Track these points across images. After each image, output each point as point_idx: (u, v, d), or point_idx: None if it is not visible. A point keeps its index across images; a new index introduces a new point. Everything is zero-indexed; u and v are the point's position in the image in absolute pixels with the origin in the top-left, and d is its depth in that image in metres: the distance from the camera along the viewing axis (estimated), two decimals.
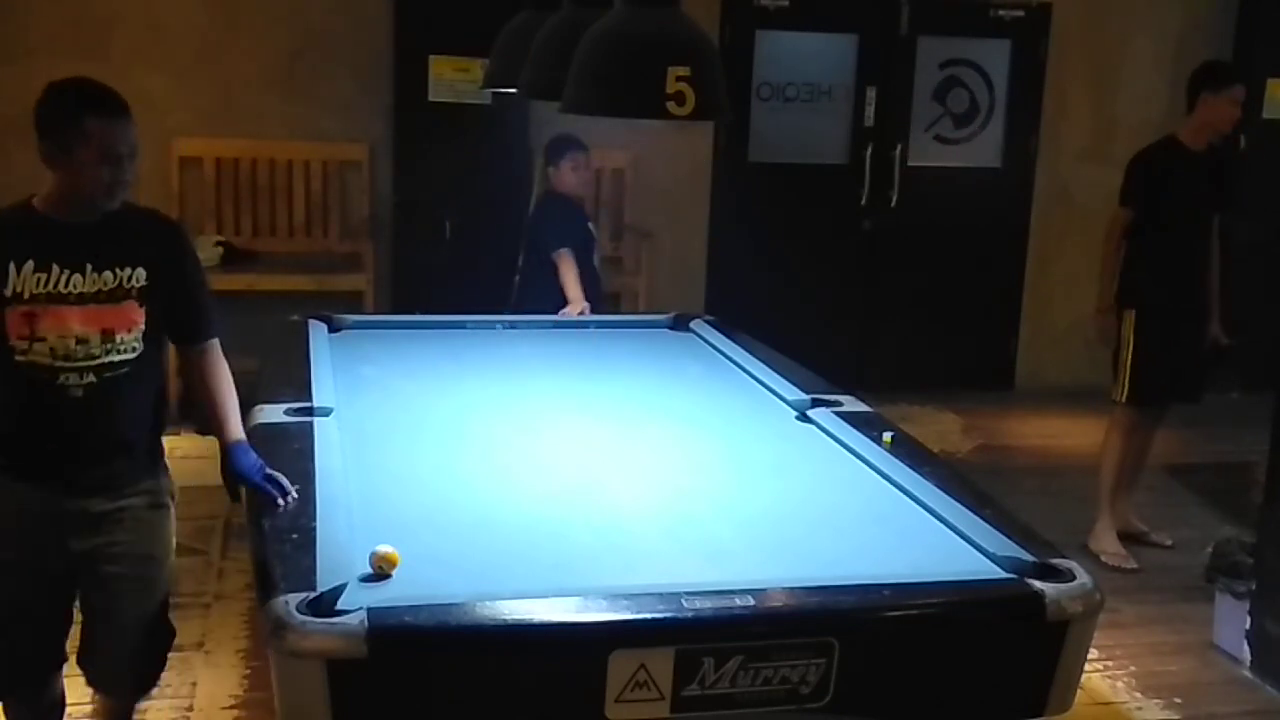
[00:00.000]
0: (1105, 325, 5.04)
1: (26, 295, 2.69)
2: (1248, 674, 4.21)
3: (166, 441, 6.62)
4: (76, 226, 2.75)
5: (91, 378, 2.75)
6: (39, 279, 2.70)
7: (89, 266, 2.73)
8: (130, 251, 2.79)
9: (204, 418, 6.42)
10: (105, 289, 2.74)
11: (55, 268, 2.71)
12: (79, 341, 2.72)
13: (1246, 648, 4.24)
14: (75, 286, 2.72)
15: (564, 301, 5.04)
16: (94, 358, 2.74)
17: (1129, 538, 5.20)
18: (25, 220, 2.76)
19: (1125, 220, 4.97)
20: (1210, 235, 5.03)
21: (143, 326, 2.80)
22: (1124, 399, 5.05)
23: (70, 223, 2.75)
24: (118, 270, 2.76)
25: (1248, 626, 4.24)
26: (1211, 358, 5.08)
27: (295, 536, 2.57)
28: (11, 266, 2.69)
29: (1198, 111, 4.97)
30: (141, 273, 2.79)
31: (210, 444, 6.28)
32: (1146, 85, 7.35)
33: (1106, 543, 5.08)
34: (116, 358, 2.77)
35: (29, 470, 2.80)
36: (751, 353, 4.26)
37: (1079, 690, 2.63)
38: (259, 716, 3.59)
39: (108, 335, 2.75)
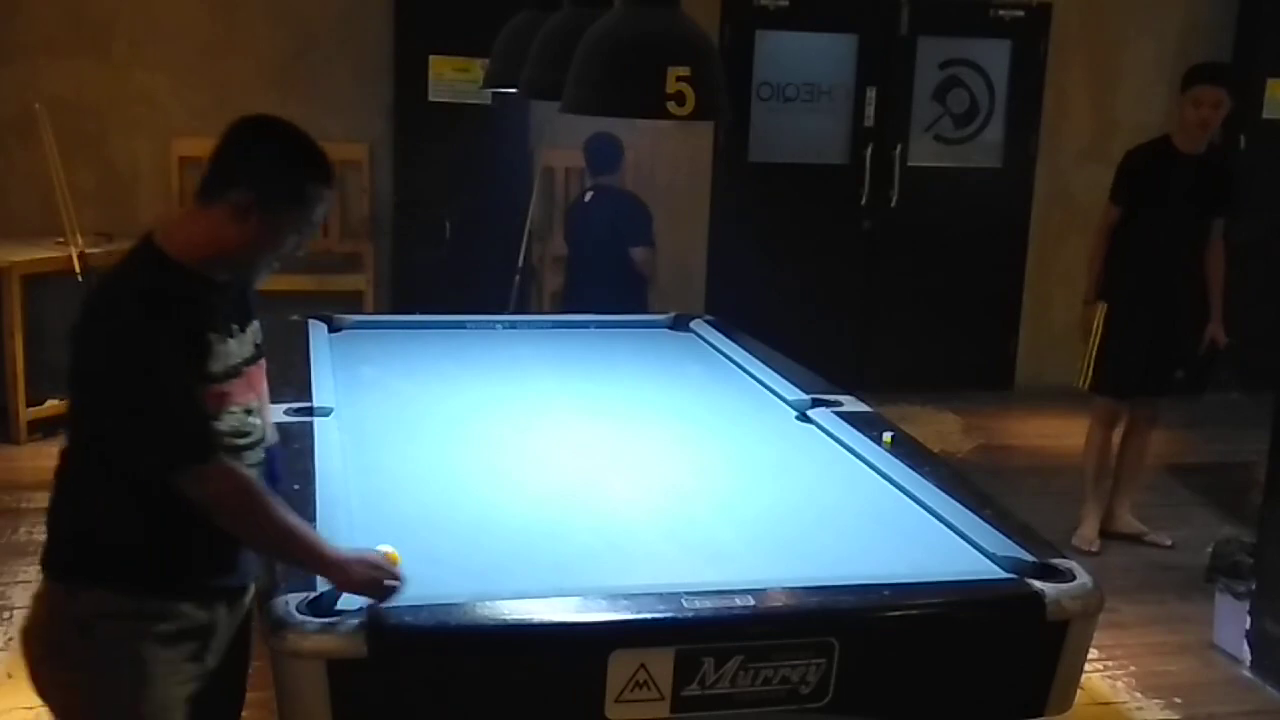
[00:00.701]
0: (1089, 317, 5.11)
1: (219, 370, 2.25)
2: (1248, 674, 4.21)
3: None
4: (224, 285, 2.30)
5: (261, 454, 2.38)
6: (224, 349, 2.27)
7: (236, 328, 2.33)
8: (251, 305, 2.43)
9: None
10: (251, 351, 2.38)
11: (227, 334, 2.29)
12: (247, 413, 2.32)
13: (1246, 648, 4.24)
14: (239, 353, 2.32)
15: (620, 295, 5.23)
16: (256, 429, 2.36)
17: (1128, 538, 5.22)
18: (193, 280, 2.24)
19: (1114, 217, 5.04)
20: (1207, 236, 5.03)
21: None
22: (1086, 386, 5.18)
23: (221, 281, 2.28)
24: (252, 327, 2.41)
25: (1248, 626, 4.24)
26: (1208, 356, 5.10)
27: None
28: (210, 338, 2.22)
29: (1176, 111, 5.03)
30: (258, 325, 2.44)
31: None
32: (1146, 85, 7.35)
33: (1084, 527, 5.15)
34: (263, 426, 2.41)
35: (187, 584, 2.30)
36: (751, 353, 4.26)
37: (1079, 690, 2.63)
38: (259, 716, 3.58)
39: (258, 402, 2.38)
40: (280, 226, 2.26)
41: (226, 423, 2.25)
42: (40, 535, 4.99)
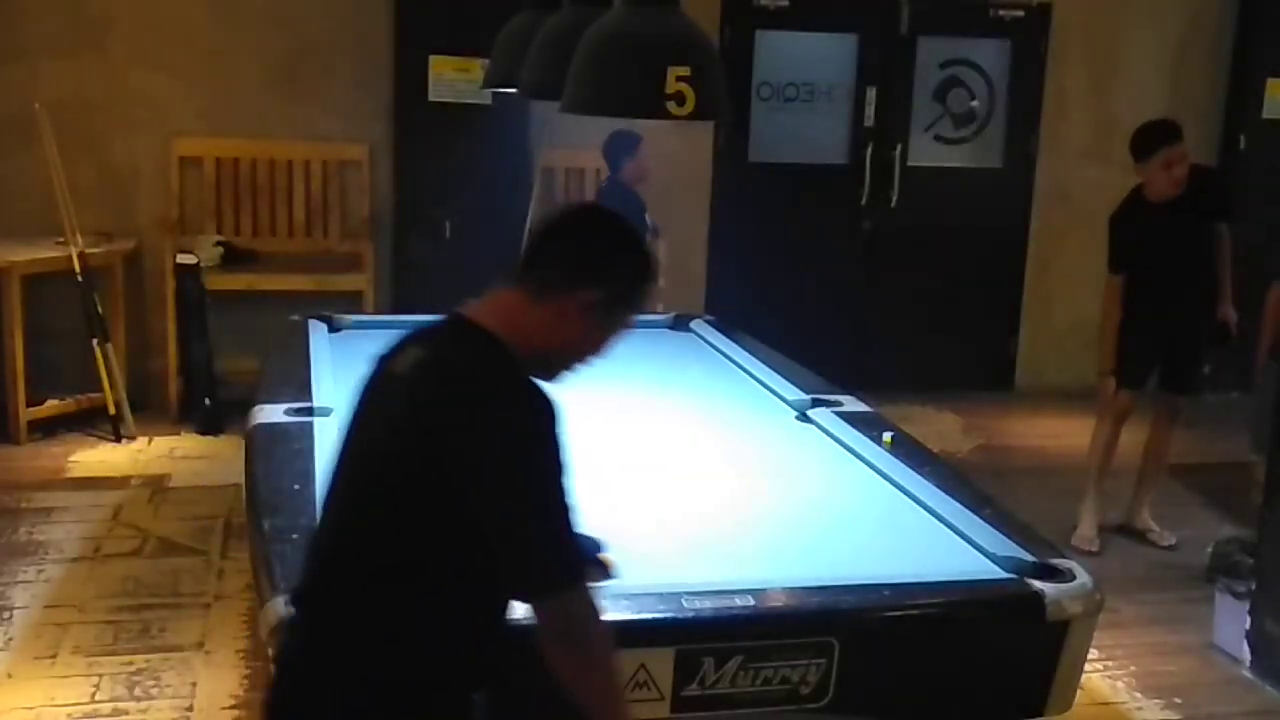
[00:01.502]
0: (1105, 388, 5.10)
1: None
2: (1248, 674, 4.21)
3: (166, 442, 6.60)
4: None
5: None
6: None
7: None
8: None
9: (207, 420, 6.43)
10: None
11: None
12: None
13: (1246, 648, 4.24)
14: None
15: None
16: None
17: (1136, 534, 5.23)
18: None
19: (1119, 286, 5.02)
20: (1210, 242, 5.04)
21: None
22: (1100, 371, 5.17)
23: None
24: None
25: (1248, 626, 4.23)
26: (1221, 338, 5.11)
27: (295, 536, 2.57)
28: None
29: (1141, 175, 4.99)
30: None
31: (210, 443, 6.28)
32: (1146, 85, 7.35)
33: (1083, 527, 5.16)
34: None
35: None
36: (751, 353, 4.26)
37: (1079, 690, 2.63)
38: (259, 717, 3.59)
39: None
40: (615, 328, 2.14)
41: None
42: (40, 535, 5.01)
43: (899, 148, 7.22)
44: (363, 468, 2.01)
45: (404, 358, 2.03)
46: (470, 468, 1.89)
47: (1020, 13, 7.26)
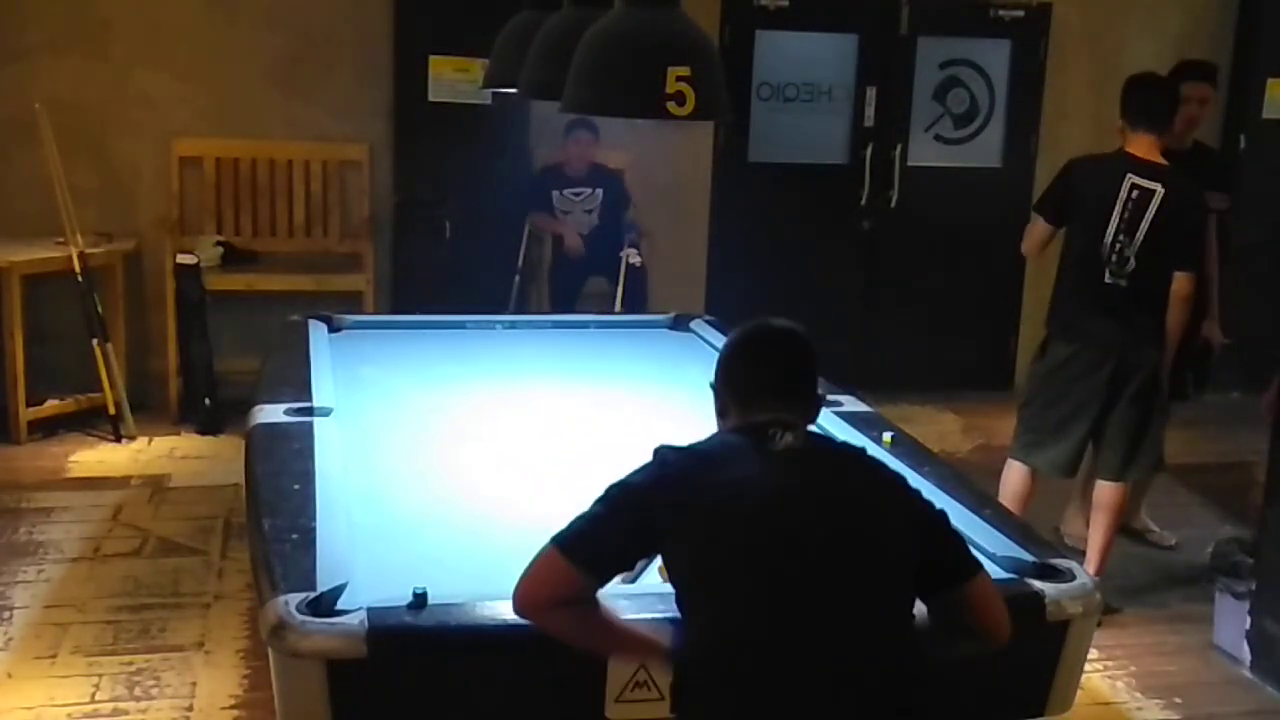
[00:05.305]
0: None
1: None
2: (1248, 674, 4.21)
3: (166, 442, 6.59)
4: None
5: None
6: None
7: None
8: None
9: (207, 420, 6.42)
10: None
11: None
12: None
13: (1246, 648, 4.24)
14: None
15: None
16: None
17: (1135, 534, 5.23)
18: None
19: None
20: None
21: None
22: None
23: None
24: None
25: (1248, 626, 4.24)
26: (1203, 355, 5.09)
27: (295, 536, 2.57)
28: None
29: None
30: None
31: (210, 443, 6.27)
32: None
33: (1074, 525, 5.16)
34: None
35: None
36: None
37: (1079, 690, 2.63)
38: (259, 716, 3.59)
39: None
40: None
41: None
42: (40, 535, 5.02)
43: (899, 148, 7.22)
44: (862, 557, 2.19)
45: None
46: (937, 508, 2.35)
47: (1020, 13, 7.26)
